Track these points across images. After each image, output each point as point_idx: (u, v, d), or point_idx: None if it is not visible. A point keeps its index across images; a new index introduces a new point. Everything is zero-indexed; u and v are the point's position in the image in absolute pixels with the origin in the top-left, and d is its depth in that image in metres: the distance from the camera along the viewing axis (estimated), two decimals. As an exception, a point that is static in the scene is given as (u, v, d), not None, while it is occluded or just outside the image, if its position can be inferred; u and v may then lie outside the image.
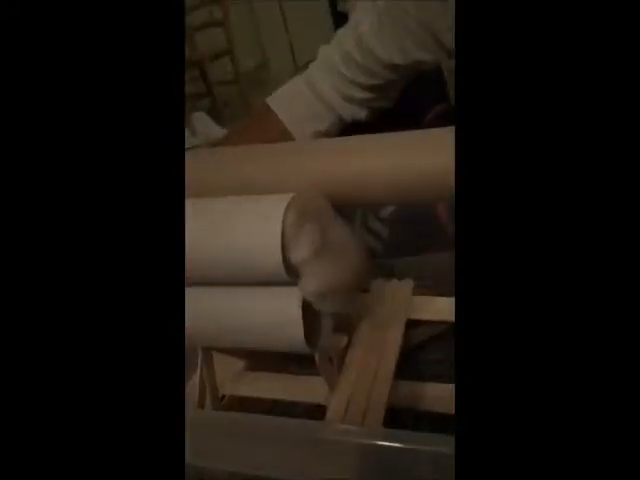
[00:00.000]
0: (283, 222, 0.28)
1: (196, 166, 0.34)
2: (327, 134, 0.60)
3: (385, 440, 0.22)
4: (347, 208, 0.33)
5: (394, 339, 0.34)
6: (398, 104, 0.64)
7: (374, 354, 0.33)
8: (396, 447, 0.22)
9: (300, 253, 0.28)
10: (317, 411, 0.34)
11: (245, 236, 0.29)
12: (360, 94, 0.59)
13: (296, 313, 0.30)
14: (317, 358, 0.32)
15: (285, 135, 0.59)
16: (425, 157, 0.30)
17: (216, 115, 1.72)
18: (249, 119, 0.66)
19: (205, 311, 0.32)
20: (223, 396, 0.37)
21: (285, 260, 0.28)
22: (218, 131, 1.16)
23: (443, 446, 0.22)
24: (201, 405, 0.36)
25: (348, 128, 0.62)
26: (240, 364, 0.39)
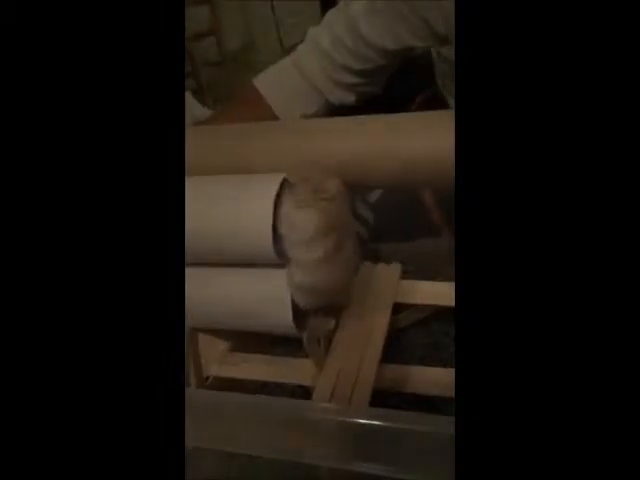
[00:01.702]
0: (276, 203, 0.28)
1: (190, 144, 0.33)
2: (315, 117, 0.60)
3: (371, 419, 0.23)
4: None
5: (381, 322, 0.35)
6: (385, 89, 0.63)
7: (361, 337, 0.34)
8: (382, 426, 0.22)
9: (296, 238, 0.28)
10: (303, 393, 0.34)
11: (236, 216, 0.29)
12: (349, 79, 0.59)
13: (285, 295, 0.30)
14: (305, 340, 0.32)
15: (272, 117, 0.59)
16: (420, 140, 0.30)
17: (200, 96, 1.69)
18: (235, 100, 0.65)
19: (192, 291, 0.32)
20: (207, 377, 0.37)
21: (275, 242, 0.28)
22: (202, 112, 1.14)
23: (428, 425, 0.22)
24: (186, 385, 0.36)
25: (336, 112, 0.61)
26: (226, 345, 0.39)
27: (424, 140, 0.30)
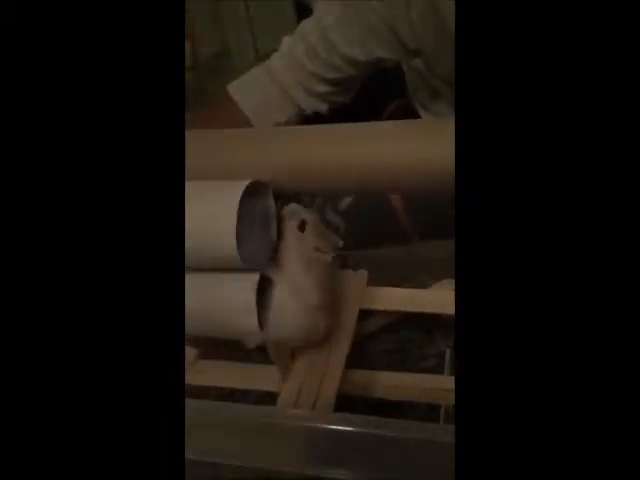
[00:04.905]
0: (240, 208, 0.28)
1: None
2: (287, 125, 0.60)
3: (336, 424, 0.23)
4: (310, 196, 0.33)
5: (347, 328, 0.35)
6: (356, 98, 0.64)
7: (326, 343, 0.34)
8: (348, 431, 0.23)
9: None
10: (268, 399, 0.34)
11: (201, 221, 0.29)
12: (321, 87, 0.60)
13: (250, 300, 0.30)
14: (270, 349, 0.32)
15: (244, 124, 0.59)
16: (390, 147, 0.31)
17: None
18: (209, 106, 0.65)
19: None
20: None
21: (240, 246, 0.28)
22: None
23: (393, 430, 0.22)
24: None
25: (308, 121, 0.62)
26: (192, 353, 0.39)
27: (393, 147, 0.31)
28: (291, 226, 0.31)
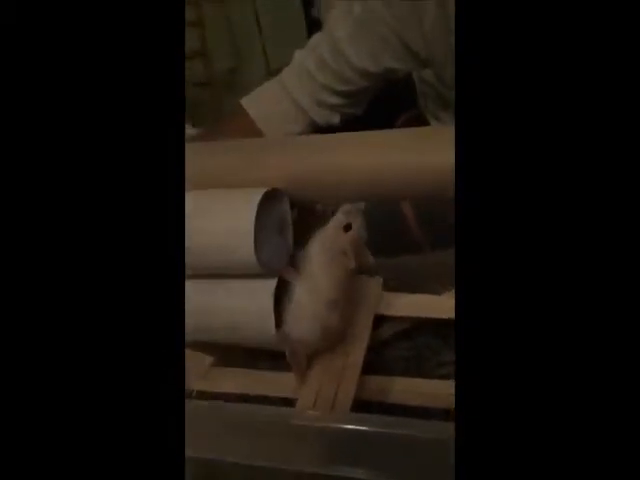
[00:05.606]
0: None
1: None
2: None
3: (354, 424, 0.23)
4: (326, 206, 0.34)
5: (362, 334, 0.35)
6: (368, 110, 0.65)
7: (342, 348, 0.34)
8: (365, 431, 0.23)
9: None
10: (285, 406, 0.34)
11: (219, 229, 0.29)
12: (332, 99, 0.61)
13: (268, 307, 0.31)
14: (287, 353, 0.32)
15: (258, 137, 0.60)
16: (401, 155, 0.31)
17: (187, 116, 1.70)
18: (222, 119, 0.66)
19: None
20: (192, 391, 0.38)
21: (257, 252, 0.29)
22: (189, 131, 1.15)
23: (409, 429, 0.23)
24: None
25: (321, 132, 0.63)
26: (209, 359, 0.39)
27: (405, 155, 0.31)
28: (337, 223, 0.32)
